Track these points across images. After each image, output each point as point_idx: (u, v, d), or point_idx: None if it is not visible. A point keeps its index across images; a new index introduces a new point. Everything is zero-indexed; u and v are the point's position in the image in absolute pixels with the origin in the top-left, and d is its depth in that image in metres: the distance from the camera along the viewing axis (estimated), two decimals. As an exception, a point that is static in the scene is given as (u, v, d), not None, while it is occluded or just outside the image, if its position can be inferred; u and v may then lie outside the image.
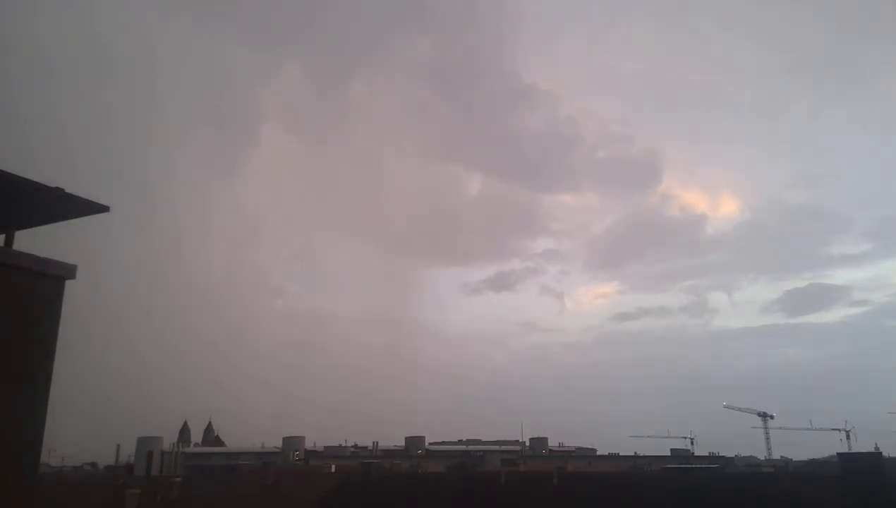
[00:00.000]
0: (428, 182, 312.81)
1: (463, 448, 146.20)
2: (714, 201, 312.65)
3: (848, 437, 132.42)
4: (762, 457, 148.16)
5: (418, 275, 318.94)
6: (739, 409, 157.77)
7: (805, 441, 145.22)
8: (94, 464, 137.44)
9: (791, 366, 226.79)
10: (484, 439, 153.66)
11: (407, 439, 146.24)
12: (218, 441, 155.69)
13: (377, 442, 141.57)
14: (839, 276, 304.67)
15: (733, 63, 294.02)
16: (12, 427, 11.42)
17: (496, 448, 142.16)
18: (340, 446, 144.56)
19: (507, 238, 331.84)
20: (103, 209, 13.21)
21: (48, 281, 12.34)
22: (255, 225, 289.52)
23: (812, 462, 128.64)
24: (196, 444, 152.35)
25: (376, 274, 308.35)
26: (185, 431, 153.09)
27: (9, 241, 12.70)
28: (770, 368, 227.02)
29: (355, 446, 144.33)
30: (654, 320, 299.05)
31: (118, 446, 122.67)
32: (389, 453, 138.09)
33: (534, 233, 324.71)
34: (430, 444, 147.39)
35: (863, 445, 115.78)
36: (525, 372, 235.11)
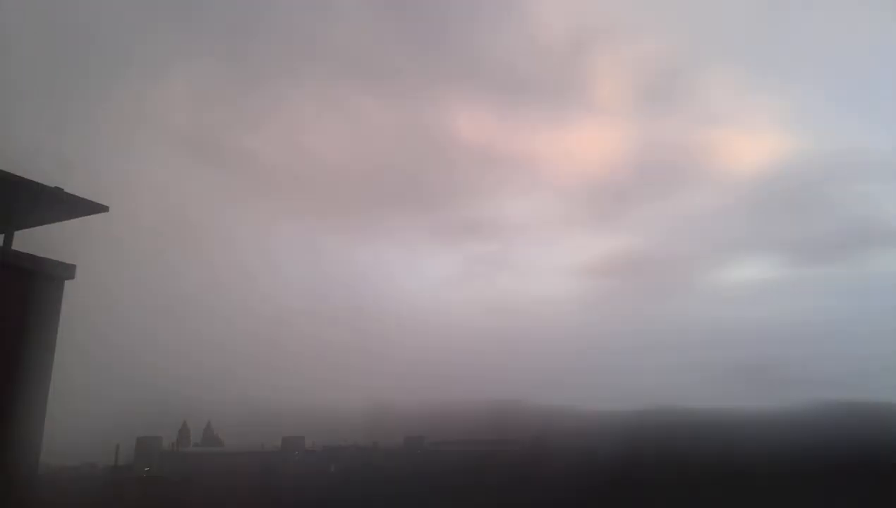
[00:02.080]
0: (390, 114, 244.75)
1: (463, 448, 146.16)
2: (746, 138, 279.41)
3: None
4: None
5: (379, 237, 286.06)
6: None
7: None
8: (93, 464, 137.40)
9: (814, 321, 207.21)
10: (484, 438, 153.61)
11: (406, 439, 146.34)
12: (217, 442, 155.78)
13: (377, 443, 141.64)
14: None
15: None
16: (12, 427, 11.42)
17: (496, 448, 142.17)
18: (340, 447, 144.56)
19: (489, 182, 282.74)
20: (103, 209, 13.23)
21: (48, 281, 12.35)
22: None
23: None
24: (196, 444, 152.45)
25: (330, 243, 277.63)
26: (184, 431, 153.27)
27: (8, 241, 12.71)
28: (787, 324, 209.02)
29: (355, 446, 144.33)
30: (656, 271, 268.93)
31: (118, 446, 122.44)
32: (389, 453, 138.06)
33: (523, 172, 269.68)
34: (430, 445, 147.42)
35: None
36: (514, 344, 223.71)
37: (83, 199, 12.90)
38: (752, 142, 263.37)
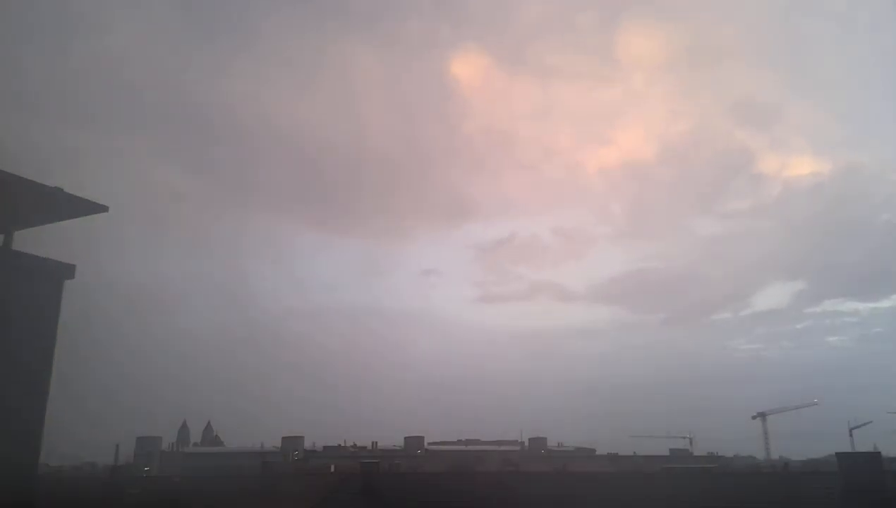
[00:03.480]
0: (391, 77, 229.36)
1: (462, 448, 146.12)
2: (780, 153, 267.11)
3: (851, 435, 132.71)
4: (761, 457, 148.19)
5: (392, 247, 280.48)
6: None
7: (806, 441, 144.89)
8: (93, 464, 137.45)
9: (825, 360, 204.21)
10: (483, 439, 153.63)
11: (406, 439, 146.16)
12: (217, 441, 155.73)
13: (376, 442, 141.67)
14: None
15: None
16: (12, 427, 11.45)
17: (495, 448, 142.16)
18: (340, 446, 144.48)
19: (509, 174, 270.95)
20: (102, 209, 13.26)
21: (48, 281, 12.37)
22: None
23: (811, 462, 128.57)
24: (195, 444, 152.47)
25: (345, 248, 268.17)
26: (184, 431, 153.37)
27: (8, 241, 12.73)
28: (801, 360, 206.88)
29: (354, 446, 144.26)
30: (672, 299, 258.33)
31: (118, 446, 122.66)
32: (388, 453, 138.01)
33: (542, 165, 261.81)
34: (430, 444, 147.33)
35: (867, 445, 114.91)
36: (525, 366, 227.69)
37: (83, 199, 12.95)
38: (797, 159, 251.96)
